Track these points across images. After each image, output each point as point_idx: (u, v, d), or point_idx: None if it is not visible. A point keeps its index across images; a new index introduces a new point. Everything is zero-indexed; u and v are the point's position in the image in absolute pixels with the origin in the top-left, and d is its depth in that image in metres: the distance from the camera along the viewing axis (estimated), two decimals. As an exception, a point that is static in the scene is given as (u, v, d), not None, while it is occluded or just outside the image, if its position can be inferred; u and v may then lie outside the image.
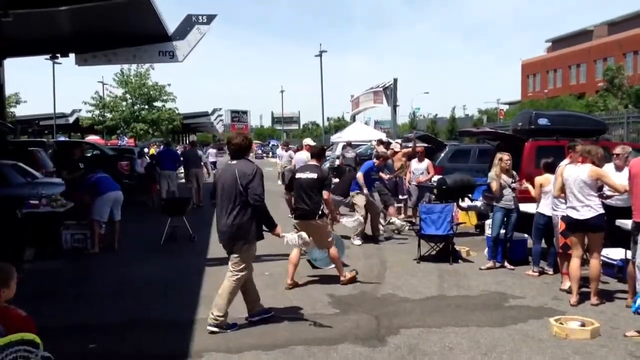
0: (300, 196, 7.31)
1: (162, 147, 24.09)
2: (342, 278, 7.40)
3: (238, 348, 5.19)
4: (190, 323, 5.90)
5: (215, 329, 5.59)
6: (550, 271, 7.79)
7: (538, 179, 7.82)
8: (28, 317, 3.54)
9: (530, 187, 8.10)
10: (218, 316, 5.61)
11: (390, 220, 10.83)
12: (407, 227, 10.61)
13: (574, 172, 6.52)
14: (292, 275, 7.34)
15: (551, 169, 7.65)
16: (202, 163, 18.22)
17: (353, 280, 7.44)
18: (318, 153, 7.99)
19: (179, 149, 28.76)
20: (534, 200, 7.91)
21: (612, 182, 6.40)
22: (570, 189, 6.49)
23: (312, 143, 13.99)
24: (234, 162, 5.75)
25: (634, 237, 5.97)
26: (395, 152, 13.73)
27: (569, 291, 6.75)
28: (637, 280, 5.68)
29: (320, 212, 7.22)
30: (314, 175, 7.34)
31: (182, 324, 5.91)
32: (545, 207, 7.65)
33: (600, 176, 6.37)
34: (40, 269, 8.37)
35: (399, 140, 16.33)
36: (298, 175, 7.53)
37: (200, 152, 20.46)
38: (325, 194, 7.32)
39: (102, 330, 5.74)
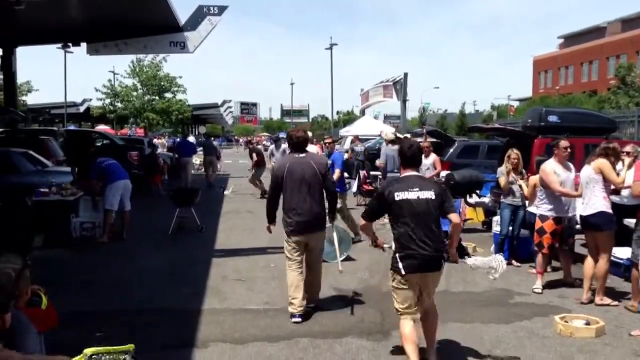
0: None
1: (180, 138, 27.22)
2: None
3: (243, 339, 5.23)
4: (197, 313, 5.95)
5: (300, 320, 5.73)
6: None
7: (532, 179, 7.80)
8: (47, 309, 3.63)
9: (524, 185, 8.03)
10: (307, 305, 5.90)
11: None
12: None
13: (584, 169, 6.56)
14: None
15: None
16: (216, 152, 20.87)
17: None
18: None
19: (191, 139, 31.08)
20: None
21: (612, 176, 6.40)
22: (582, 185, 6.54)
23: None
24: (302, 155, 5.97)
25: (636, 235, 5.99)
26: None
27: (539, 292, 6.82)
28: None
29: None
30: None
31: (189, 313, 5.96)
32: (535, 206, 7.66)
33: (602, 169, 6.36)
34: (48, 256, 8.44)
35: (392, 130, 16.11)
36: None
37: (215, 143, 23.72)
38: None
39: (110, 318, 5.80)
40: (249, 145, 22.18)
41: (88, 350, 2.58)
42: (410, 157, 4.66)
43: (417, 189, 4.48)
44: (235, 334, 5.38)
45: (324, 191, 5.94)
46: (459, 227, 4.64)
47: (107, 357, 2.60)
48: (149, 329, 5.53)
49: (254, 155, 17.35)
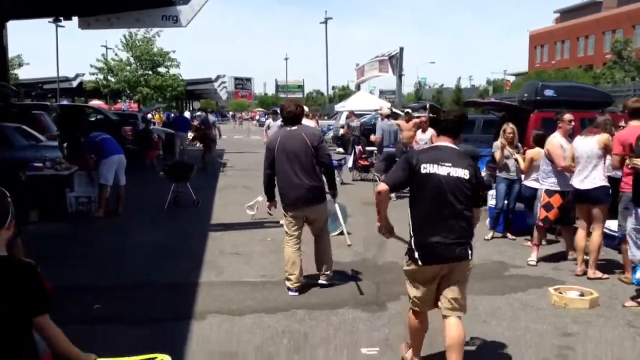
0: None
1: (177, 114, 28.81)
2: None
3: (240, 311, 5.27)
4: (194, 286, 5.98)
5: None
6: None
7: (529, 153, 7.79)
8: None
9: (520, 159, 8.02)
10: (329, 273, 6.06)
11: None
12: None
13: (585, 142, 6.51)
14: None
15: (542, 142, 7.66)
16: (213, 126, 20.22)
17: None
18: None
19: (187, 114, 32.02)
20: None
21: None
22: (580, 159, 6.50)
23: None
24: (294, 127, 5.85)
25: (621, 207, 6.08)
26: (409, 121, 13.31)
27: (534, 265, 6.86)
28: (629, 248, 5.72)
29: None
30: None
31: (185, 286, 5.99)
32: (534, 180, 7.67)
33: (608, 145, 6.35)
34: (44, 230, 8.43)
35: (388, 105, 16.03)
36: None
37: (212, 118, 23.42)
38: None
39: (107, 292, 5.82)
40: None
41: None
42: (450, 123, 3.96)
43: (450, 165, 3.73)
44: (232, 306, 5.42)
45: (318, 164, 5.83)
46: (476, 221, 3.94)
47: None
48: (146, 302, 5.55)
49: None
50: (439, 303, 3.86)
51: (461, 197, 3.71)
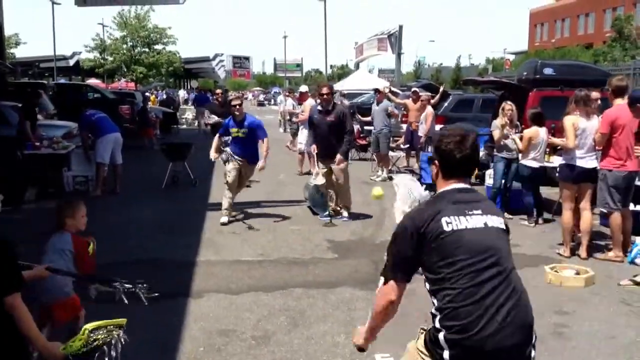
0: None
1: (199, 92, 29.76)
2: None
3: (238, 289, 5.30)
4: (191, 264, 6.01)
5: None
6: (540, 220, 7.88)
7: (527, 132, 7.76)
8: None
9: (517, 138, 7.95)
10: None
11: None
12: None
13: (590, 122, 6.42)
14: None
15: (539, 120, 7.62)
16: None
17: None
18: None
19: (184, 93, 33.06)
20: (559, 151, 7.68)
21: None
22: (585, 139, 6.38)
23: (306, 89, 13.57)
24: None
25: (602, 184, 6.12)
26: (417, 100, 13.06)
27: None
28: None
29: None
30: None
31: (183, 264, 6.01)
32: (532, 159, 7.64)
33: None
34: (41, 209, 8.42)
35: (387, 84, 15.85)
36: None
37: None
38: None
39: (104, 270, 5.80)
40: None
41: (88, 326, 2.63)
42: (460, 161, 2.49)
43: (480, 212, 2.42)
44: (230, 284, 5.44)
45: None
46: None
47: (103, 331, 2.64)
48: (144, 279, 5.55)
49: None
50: None
51: (507, 255, 2.42)
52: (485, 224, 2.40)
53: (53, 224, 3.98)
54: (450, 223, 2.35)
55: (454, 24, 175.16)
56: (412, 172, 10.88)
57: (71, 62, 50.89)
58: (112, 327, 2.69)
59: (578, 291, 5.31)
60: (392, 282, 2.39)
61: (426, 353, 2.37)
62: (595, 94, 6.86)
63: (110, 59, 39.32)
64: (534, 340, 2.30)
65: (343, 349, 4.13)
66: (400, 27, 29.00)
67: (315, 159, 8.14)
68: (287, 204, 9.02)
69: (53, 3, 38.73)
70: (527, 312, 2.30)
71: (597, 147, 6.32)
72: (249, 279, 5.60)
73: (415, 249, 2.36)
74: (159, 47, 40.06)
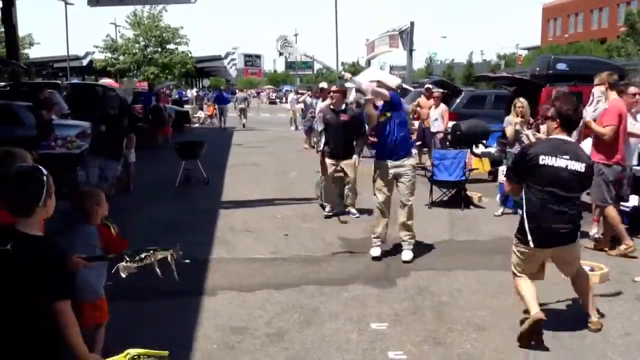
0: None
1: (219, 91, 31.97)
2: None
3: (251, 287, 5.32)
4: (204, 262, 6.04)
5: None
6: None
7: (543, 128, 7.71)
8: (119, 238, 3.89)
9: (530, 134, 7.88)
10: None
11: None
12: None
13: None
14: None
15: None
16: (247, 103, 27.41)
17: None
18: None
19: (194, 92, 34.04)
20: None
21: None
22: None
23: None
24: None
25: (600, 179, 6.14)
26: (430, 97, 13.00)
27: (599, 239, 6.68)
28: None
29: None
30: None
31: (196, 262, 6.01)
32: None
33: None
34: (56, 208, 8.49)
35: (398, 80, 15.71)
36: None
37: (243, 95, 29.62)
38: None
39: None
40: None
41: (132, 351, 2.63)
42: (571, 117, 4.18)
43: (568, 157, 4.06)
44: (243, 281, 5.47)
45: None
46: None
47: (145, 358, 2.65)
48: (157, 277, 5.60)
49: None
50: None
51: (576, 187, 4.09)
52: (567, 166, 4.00)
53: (66, 223, 4.00)
54: (544, 159, 4.03)
55: (466, 20, 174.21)
56: (424, 168, 10.83)
57: (84, 62, 51.19)
58: (154, 358, 2.68)
59: (593, 288, 5.25)
60: (510, 183, 4.43)
61: (519, 241, 4.27)
62: (633, 89, 6.69)
63: (122, 58, 39.51)
64: (577, 229, 4.17)
65: (356, 346, 4.14)
66: (412, 23, 28.80)
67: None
68: (299, 202, 9.03)
69: (66, 3, 38.99)
70: (574, 215, 4.11)
71: (606, 140, 6.17)
72: (262, 277, 5.62)
73: (518, 168, 4.28)
74: (171, 46, 40.22)
